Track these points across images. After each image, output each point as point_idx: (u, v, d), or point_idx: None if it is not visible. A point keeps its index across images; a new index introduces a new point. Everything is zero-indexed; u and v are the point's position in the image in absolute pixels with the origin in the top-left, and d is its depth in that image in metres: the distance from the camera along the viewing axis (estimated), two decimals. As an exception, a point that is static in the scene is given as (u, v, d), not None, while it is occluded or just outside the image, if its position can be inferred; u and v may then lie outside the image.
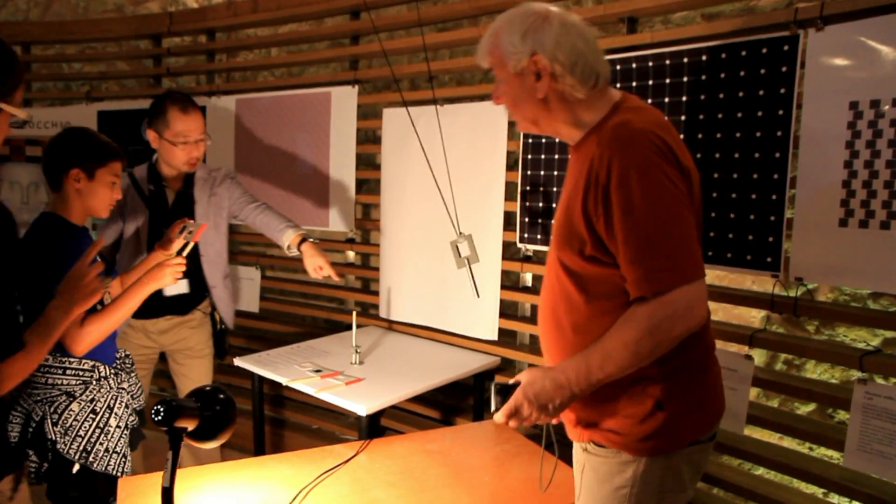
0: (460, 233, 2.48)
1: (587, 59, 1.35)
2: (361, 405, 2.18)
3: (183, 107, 2.57)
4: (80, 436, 1.89)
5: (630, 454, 1.37)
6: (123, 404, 2.02)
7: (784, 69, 1.92)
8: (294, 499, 1.72)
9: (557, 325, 1.44)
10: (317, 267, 2.57)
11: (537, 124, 1.44)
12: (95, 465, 1.90)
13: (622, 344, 1.27)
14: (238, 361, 2.63)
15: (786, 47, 1.92)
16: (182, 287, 2.66)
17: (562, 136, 1.45)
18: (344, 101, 3.15)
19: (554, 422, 1.42)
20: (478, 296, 2.52)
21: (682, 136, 1.72)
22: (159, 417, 1.24)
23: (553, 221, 1.47)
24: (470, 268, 2.46)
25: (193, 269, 2.69)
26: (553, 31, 1.34)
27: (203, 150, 2.64)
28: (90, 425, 1.91)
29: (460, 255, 2.44)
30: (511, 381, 1.38)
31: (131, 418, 2.05)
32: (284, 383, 2.38)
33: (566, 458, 1.57)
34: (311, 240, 2.62)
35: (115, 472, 1.93)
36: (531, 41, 1.35)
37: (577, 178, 1.36)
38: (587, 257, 1.34)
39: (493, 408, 1.38)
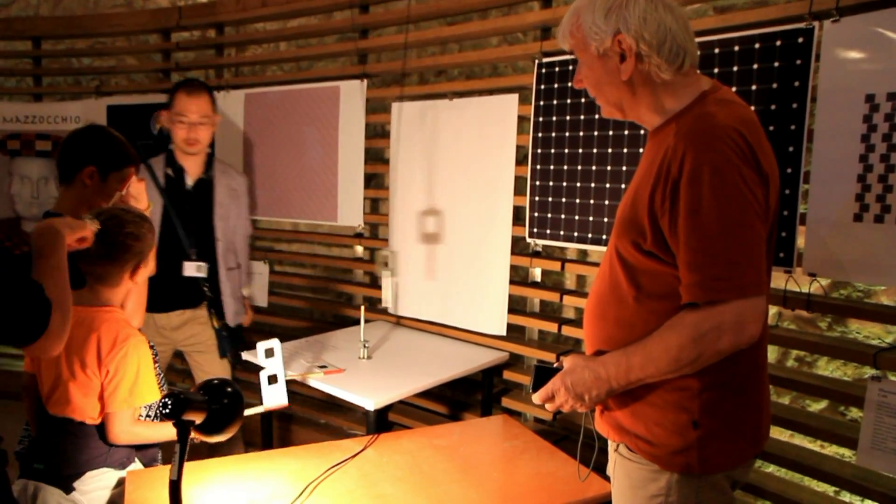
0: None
1: (676, 36, 1.27)
2: (369, 400, 2.17)
3: (188, 90, 2.70)
4: None
5: (659, 466, 1.31)
6: None
7: (798, 62, 1.89)
8: (301, 493, 1.72)
9: (601, 315, 1.39)
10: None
11: (621, 109, 1.38)
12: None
13: (665, 348, 1.22)
14: (246, 355, 2.63)
15: (800, 39, 1.89)
16: (201, 270, 2.71)
17: (643, 122, 1.39)
18: (352, 96, 3.13)
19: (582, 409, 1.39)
20: None
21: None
22: (167, 410, 1.24)
23: (618, 206, 1.41)
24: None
25: (206, 252, 2.75)
26: (639, 7, 1.26)
27: (204, 134, 2.72)
28: None
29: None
30: (554, 365, 1.38)
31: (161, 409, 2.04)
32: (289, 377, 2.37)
33: (589, 456, 1.55)
34: None
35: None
36: (615, 20, 1.27)
37: (649, 167, 1.29)
38: (645, 251, 1.28)
39: (531, 388, 1.40)
